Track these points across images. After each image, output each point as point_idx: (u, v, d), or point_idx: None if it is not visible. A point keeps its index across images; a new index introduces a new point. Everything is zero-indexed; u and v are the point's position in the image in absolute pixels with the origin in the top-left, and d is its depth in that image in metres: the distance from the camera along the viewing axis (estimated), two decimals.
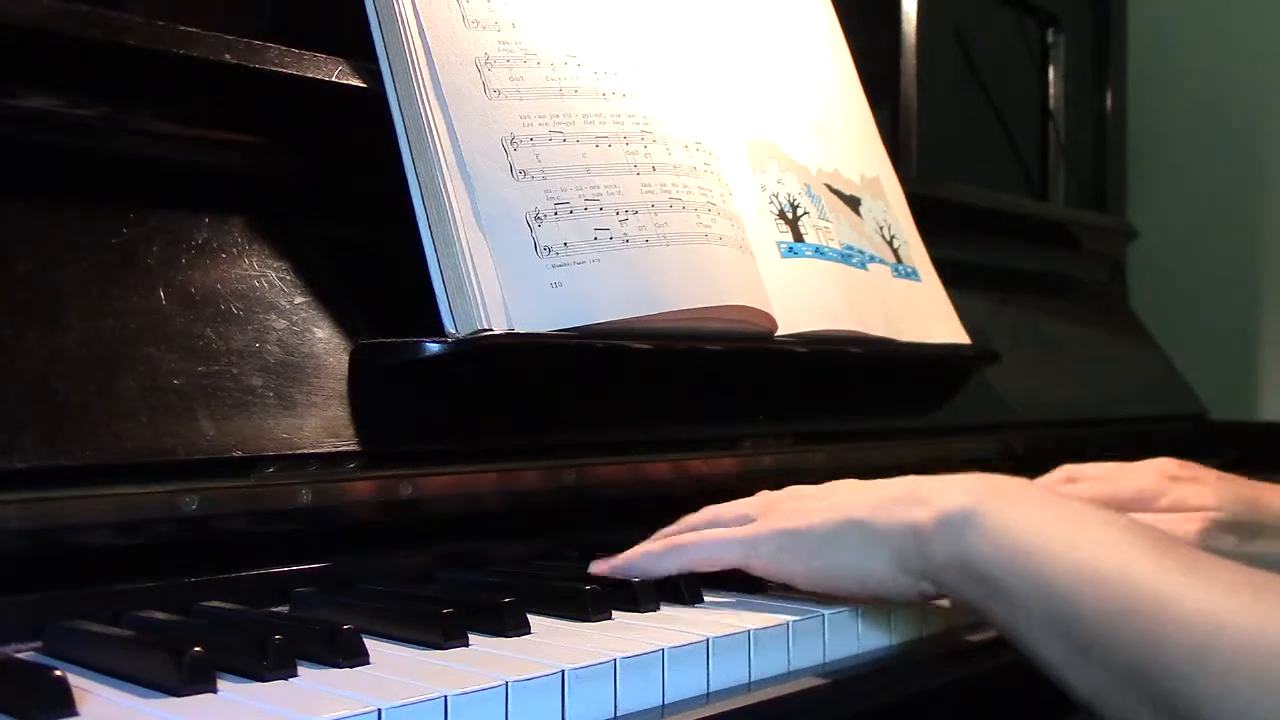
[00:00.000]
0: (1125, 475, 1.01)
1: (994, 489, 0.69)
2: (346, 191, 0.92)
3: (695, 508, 0.85)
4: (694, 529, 0.82)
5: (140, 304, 0.76)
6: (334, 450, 0.79)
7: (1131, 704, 0.61)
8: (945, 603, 0.79)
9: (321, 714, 0.53)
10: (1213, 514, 0.97)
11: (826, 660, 0.73)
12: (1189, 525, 0.96)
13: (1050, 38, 1.90)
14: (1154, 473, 1.01)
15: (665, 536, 0.83)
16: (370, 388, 0.83)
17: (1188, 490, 0.99)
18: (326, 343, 0.83)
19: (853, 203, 1.18)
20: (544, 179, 0.89)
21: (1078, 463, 1.06)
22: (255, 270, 0.83)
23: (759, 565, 0.77)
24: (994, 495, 0.68)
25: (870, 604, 0.76)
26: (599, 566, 0.82)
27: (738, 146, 1.08)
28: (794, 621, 0.72)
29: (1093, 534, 0.65)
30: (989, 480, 0.71)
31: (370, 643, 0.64)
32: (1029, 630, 0.65)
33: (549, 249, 0.87)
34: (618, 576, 0.79)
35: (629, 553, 0.81)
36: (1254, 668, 0.57)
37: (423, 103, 0.87)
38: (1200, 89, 2.10)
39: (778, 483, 0.91)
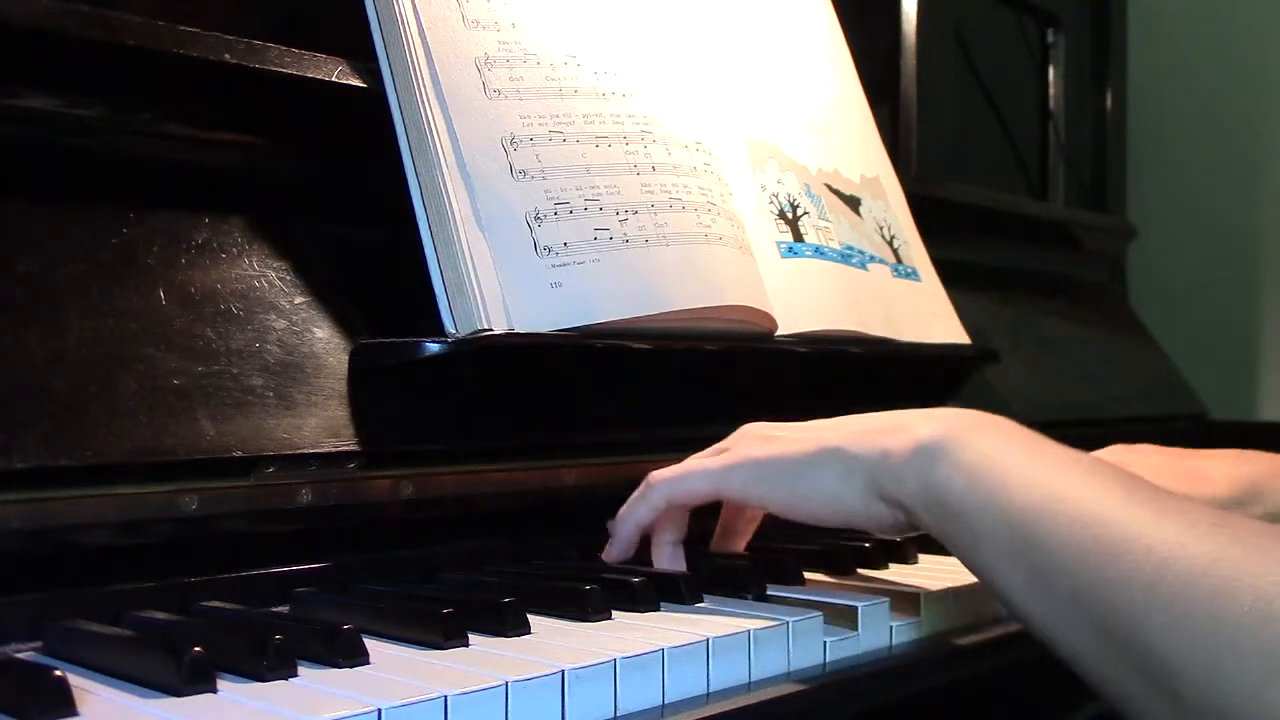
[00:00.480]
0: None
1: (969, 422, 0.70)
2: (346, 191, 0.92)
3: (696, 506, 0.85)
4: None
5: (140, 304, 0.76)
6: (334, 450, 0.79)
7: (1086, 635, 0.60)
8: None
9: (321, 714, 0.53)
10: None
11: (827, 660, 0.73)
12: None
13: (1050, 38, 1.90)
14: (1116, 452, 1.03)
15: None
16: (370, 387, 0.83)
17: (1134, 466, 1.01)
18: (326, 343, 0.83)
19: (853, 203, 1.18)
20: (544, 179, 0.89)
21: None
22: (255, 270, 0.83)
23: (733, 493, 0.79)
24: (968, 428, 0.69)
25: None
26: (607, 554, 0.84)
27: (738, 146, 1.08)
28: (794, 621, 0.72)
29: (1060, 469, 0.65)
30: (965, 414, 0.71)
31: (370, 643, 0.64)
32: (992, 561, 0.65)
33: (549, 249, 0.87)
34: (615, 550, 0.82)
35: (621, 511, 0.84)
36: (1203, 598, 0.56)
37: (423, 103, 0.87)
38: (1200, 89, 2.10)
39: None
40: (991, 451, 0.67)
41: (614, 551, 0.84)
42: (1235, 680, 0.55)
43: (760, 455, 0.77)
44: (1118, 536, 0.60)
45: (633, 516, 0.83)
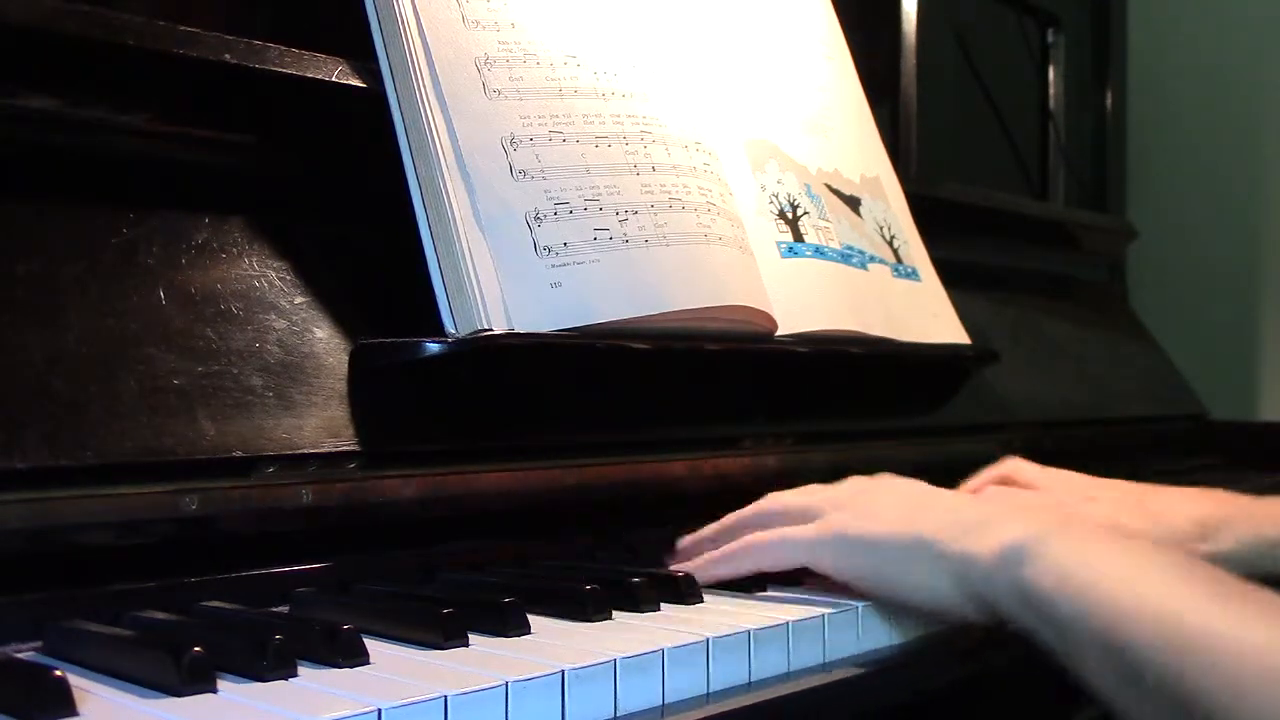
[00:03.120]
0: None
1: (1053, 523, 0.72)
2: (346, 191, 0.92)
3: (695, 507, 0.85)
4: (759, 517, 0.85)
5: (140, 304, 0.76)
6: (334, 450, 0.79)
7: None
8: None
9: (321, 714, 0.53)
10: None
11: (827, 660, 0.73)
12: None
13: (1050, 38, 1.90)
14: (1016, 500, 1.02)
15: (738, 529, 0.85)
16: (370, 388, 0.83)
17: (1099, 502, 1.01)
18: (326, 343, 0.83)
19: (853, 203, 1.18)
20: (544, 179, 0.89)
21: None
22: (255, 270, 0.83)
23: (825, 567, 0.80)
24: (1052, 529, 0.71)
25: (880, 603, 0.78)
26: (677, 565, 0.85)
27: (737, 147, 1.08)
28: (794, 621, 0.72)
29: (1144, 570, 0.67)
30: (1047, 513, 0.74)
31: (370, 643, 0.64)
32: (1083, 660, 0.67)
33: (549, 249, 0.87)
34: (698, 579, 0.81)
35: (705, 557, 0.84)
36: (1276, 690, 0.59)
37: (423, 103, 0.87)
38: (1200, 89, 2.10)
39: (778, 482, 0.91)
40: (1076, 552, 0.69)
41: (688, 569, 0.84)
42: None
43: (852, 533, 0.78)
44: (1199, 634, 0.62)
45: (717, 572, 0.83)
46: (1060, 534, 0.70)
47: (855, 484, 0.85)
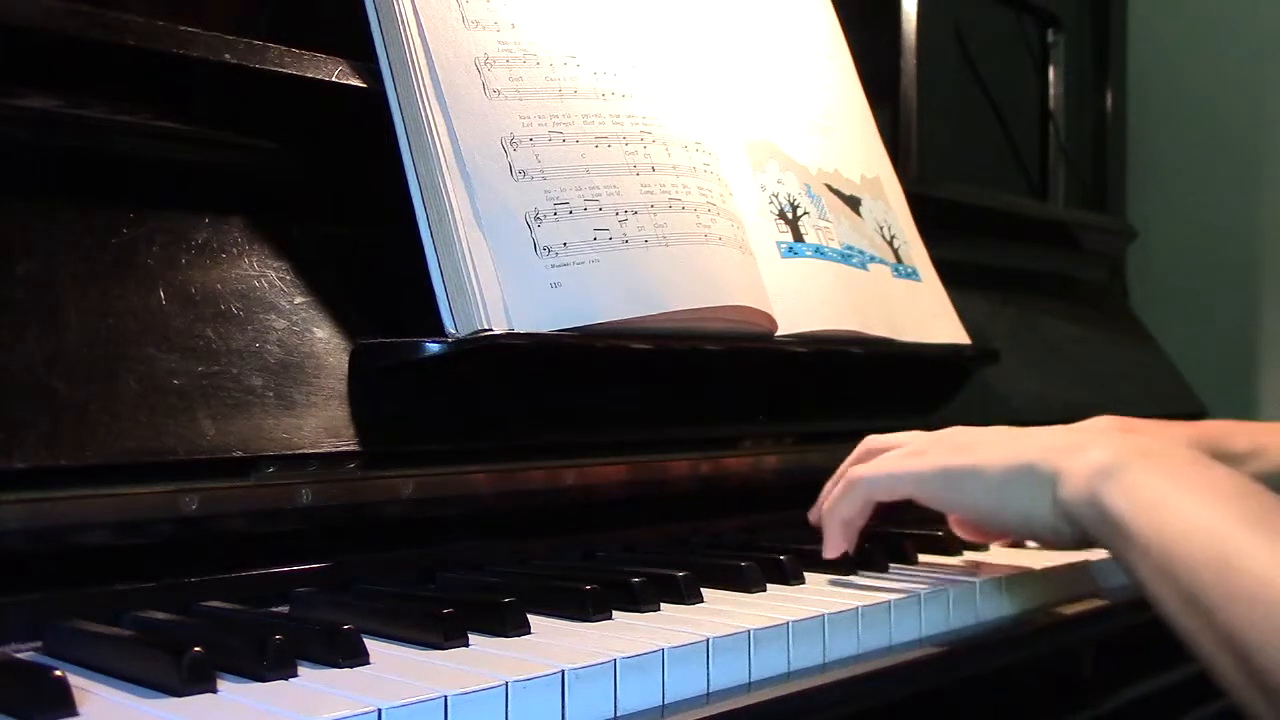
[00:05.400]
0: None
1: (1138, 449, 0.76)
2: (346, 191, 0.92)
3: (695, 506, 0.86)
4: (864, 455, 0.91)
5: (140, 304, 0.76)
6: (334, 450, 0.79)
7: (1212, 647, 0.66)
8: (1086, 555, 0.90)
9: (321, 714, 0.53)
10: None
11: (827, 660, 0.73)
12: None
13: (1050, 38, 1.90)
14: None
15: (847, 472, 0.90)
16: (370, 387, 0.83)
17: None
18: (326, 343, 0.83)
19: (853, 203, 1.18)
20: (544, 179, 0.89)
21: None
22: (255, 270, 0.83)
23: (928, 497, 0.85)
24: (1136, 455, 0.75)
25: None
26: (826, 553, 0.89)
27: (737, 147, 1.08)
28: (793, 621, 0.72)
29: (1203, 501, 0.70)
30: (1135, 441, 0.78)
31: (370, 643, 0.64)
32: (1148, 577, 0.71)
33: (549, 249, 0.87)
34: (832, 548, 0.87)
35: (827, 501, 0.90)
36: None
37: (423, 103, 0.87)
38: (1200, 89, 2.10)
39: (778, 482, 0.91)
40: (1149, 480, 0.73)
41: (831, 549, 0.88)
42: None
43: (957, 464, 0.84)
44: (1239, 563, 0.66)
45: (838, 513, 0.88)
46: (1142, 458, 0.75)
47: (949, 430, 0.89)
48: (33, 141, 0.78)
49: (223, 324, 0.79)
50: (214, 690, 0.57)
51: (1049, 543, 0.83)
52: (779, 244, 1.06)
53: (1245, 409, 2.02)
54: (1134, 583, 0.73)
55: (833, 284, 1.09)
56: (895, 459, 0.88)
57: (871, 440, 0.93)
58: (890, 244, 1.20)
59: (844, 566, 0.89)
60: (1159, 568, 0.69)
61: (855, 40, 1.29)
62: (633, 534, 0.98)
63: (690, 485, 1.02)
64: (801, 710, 0.68)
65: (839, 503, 0.88)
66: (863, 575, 0.89)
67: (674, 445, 1.01)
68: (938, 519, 0.95)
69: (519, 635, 0.68)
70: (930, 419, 1.27)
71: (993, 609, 0.85)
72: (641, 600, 0.75)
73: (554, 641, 0.67)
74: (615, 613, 0.74)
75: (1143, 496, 0.72)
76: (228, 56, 0.83)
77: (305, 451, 0.78)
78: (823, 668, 0.73)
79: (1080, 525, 0.77)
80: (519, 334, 0.84)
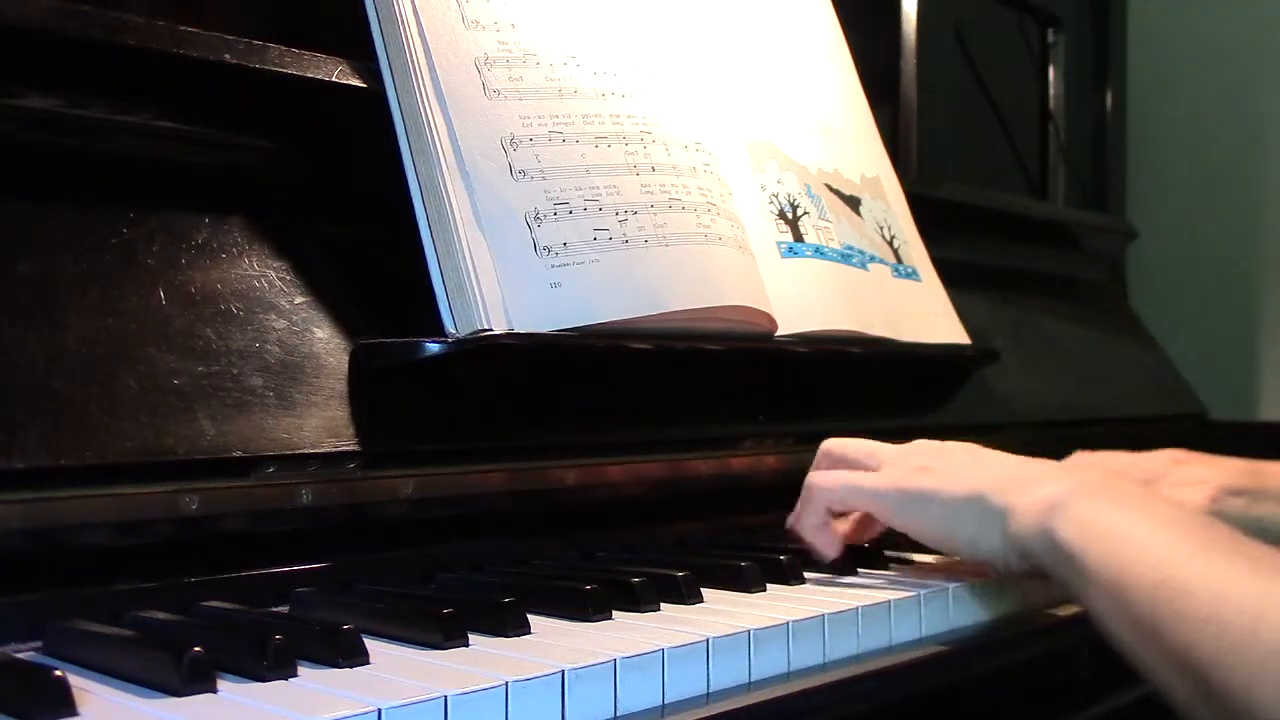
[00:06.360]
0: (1136, 461, 1.11)
1: (1088, 483, 0.77)
2: (346, 191, 0.92)
3: (696, 506, 0.85)
4: (822, 460, 0.92)
5: (140, 304, 0.76)
6: (334, 450, 0.79)
7: (1181, 683, 0.66)
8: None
9: (321, 714, 0.53)
10: (1219, 482, 1.06)
11: (827, 660, 0.73)
12: (1198, 492, 1.05)
13: (1050, 38, 1.90)
14: (1163, 458, 1.10)
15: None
16: (370, 387, 0.83)
17: (1193, 468, 1.09)
18: (326, 343, 0.83)
19: (853, 203, 1.18)
20: (543, 179, 0.89)
21: None
22: (255, 270, 0.83)
23: (883, 515, 0.87)
24: (1084, 486, 0.76)
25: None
26: (821, 559, 0.90)
27: (738, 147, 1.08)
28: (793, 621, 0.72)
29: (1153, 522, 0.72)
30: (1087, 474, 0.79)
31: (370, 643, 0.64)
32: (1102, 607, 0.71)
33: (548, 249, 0.87)
34: (827, 554, 0.88)
35: (793, 515, 0.91)
36: (1258, 637, 0.62)
37: (423, 103, 0.87)
38: (1200, 89, 2.10)
39: (778, 482, 0.91)
40: (1098, 511, 0.74)
41: (828, 554, 0.89)
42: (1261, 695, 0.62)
43: (912, 487, 0.85)
44: (1189, 586, 0.66)
45: (805, 523, 0.89)
46: (1093, 490, 0.76)
47: (912, 445, 0.90)
48: (33, 141, 0.78)
49: (223, 324, 0.79)
50: (214, 690, 0.57)
51: (998, 573, 0.83)
52: (779, 244, 1.06)
53: (1245, 409, 2.02)
54: (1088, 613, 0.73)
55: (833, 284, 1.09)
56: (853, 473, 0.89)
57: (829, 444, 0.93)
58: (890, 244, 1.20)
59: (844, 566, 0.89)
60: (1111, 595, 0.70)
61: (855, 41, 1.29)
62: (633, 534, 0.98)
63: (690, 485, 1.02)
64: (801, 710, 0.68)
65: (802, 514, 0.89)
66: (863, 575, 0.89)
67: (674, 445, 1.01)
68: None
69: (519, 635, 0.68)
70: (930, 419, 1.27)
71: (992, 609, 0.86)
72: (641, 600, 0.75)
73: (554, 641, 0.67)
74: (615, 613, 0.74)
75: (1093, 527, 0.73)
76: (228, 56, 0.83)
77: (305, 451, 0.78)
78: (823, 668, 0.73)
79: (1032, 558, 0.77)
80: (519, 334, 0.84)
